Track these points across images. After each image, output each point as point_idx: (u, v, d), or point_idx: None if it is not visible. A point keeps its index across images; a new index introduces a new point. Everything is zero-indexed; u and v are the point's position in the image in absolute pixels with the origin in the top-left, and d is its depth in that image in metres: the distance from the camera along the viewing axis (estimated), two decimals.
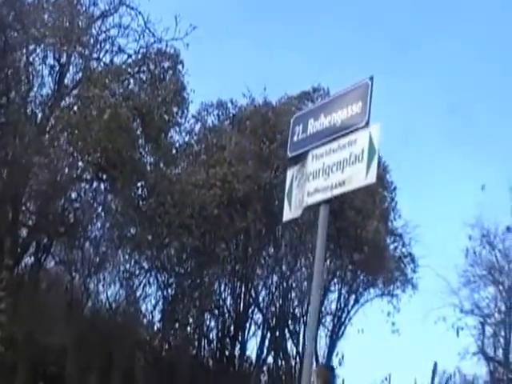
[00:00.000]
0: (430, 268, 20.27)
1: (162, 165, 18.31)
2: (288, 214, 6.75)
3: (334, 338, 21.47)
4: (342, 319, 21.85)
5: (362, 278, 20.84)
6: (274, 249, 20.02)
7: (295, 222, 17.07)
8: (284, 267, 20.17)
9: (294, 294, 20.71)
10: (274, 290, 20.14)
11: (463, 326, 21.14)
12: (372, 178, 5.82)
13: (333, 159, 6.23)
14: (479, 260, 21.52)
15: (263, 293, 20.21)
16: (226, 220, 16.99)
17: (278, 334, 20.69)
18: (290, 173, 6.86)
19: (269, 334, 20.78)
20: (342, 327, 21.65)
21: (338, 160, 6.17)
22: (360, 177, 5.89)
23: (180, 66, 18.75)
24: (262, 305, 20.31)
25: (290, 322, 20.46)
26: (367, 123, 6.04)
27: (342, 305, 22.14)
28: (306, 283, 20.53)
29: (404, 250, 21.87)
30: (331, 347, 21.33)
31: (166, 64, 19.00)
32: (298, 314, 20.78)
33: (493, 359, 21.50)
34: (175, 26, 16.91)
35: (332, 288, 21.96)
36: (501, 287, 21.09)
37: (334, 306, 22.00)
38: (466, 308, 21.03)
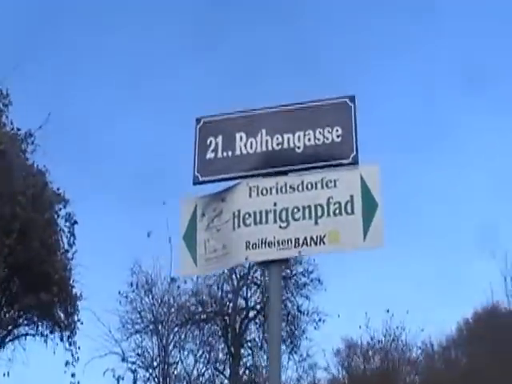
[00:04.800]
0: (91, 311, 18.03)
1: None
2: (191, 267, 4.41)
3: None
4: None
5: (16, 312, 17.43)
6: None
7: None
8: None
9: None
10: None
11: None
12: (377, 241, 4.03)
13: (292, 200, 4.23)
14: (140, 308, 20.25)
15: None
16: None
17: None
18: (187, 206, 4.55)
19: None
20: None
21: (306, 204, 4.20)
22: (353, 236, 4.04)
23: None
24: None
25: None
26: (355, 160, 4.24)
27: None
28: None
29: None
30: None
31: None
32: None
33: None
34: None
35: None
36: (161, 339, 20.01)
37: None
38: (129, 357, 19.48)
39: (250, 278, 23.55)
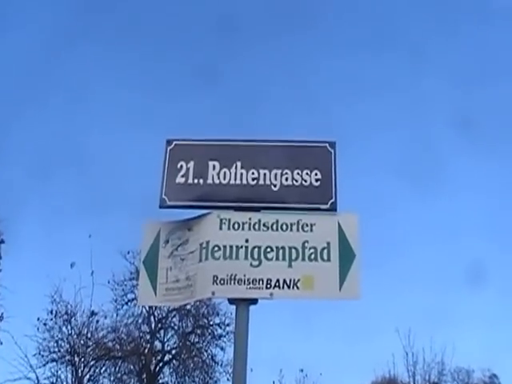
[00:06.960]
0: (9, 333, 17.19)
1: None
2: (149, 296, 4.17)
3: None
4: None
5: None
6: None
7: None
8: None
9: None
10: None
11: None
12: (354, 293, 3.92)
13: (266, 239, 4.09)
14: (58, 337, 19.47)
15: None
16: None
17: None
18: (150, 229, 4.33)
19: None
20: None
21: (280, 244, 4.06)
22: (328, 284, 3.93)
23: None
24: None
25: None
26: (333, 206, 4.16)
27: None
28: None
29: None
30: None
31: None
32: None
33: None
34: None
35: None
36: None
37: None
38: None
39: (167, 322, 23.15)
